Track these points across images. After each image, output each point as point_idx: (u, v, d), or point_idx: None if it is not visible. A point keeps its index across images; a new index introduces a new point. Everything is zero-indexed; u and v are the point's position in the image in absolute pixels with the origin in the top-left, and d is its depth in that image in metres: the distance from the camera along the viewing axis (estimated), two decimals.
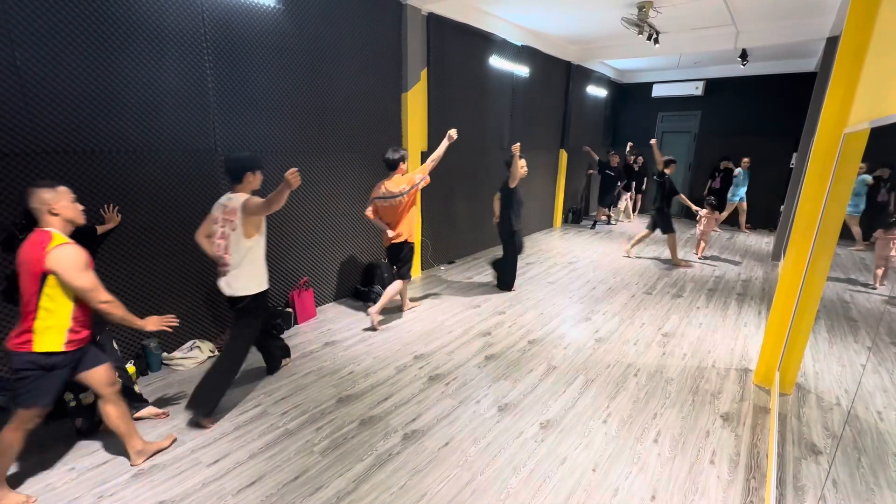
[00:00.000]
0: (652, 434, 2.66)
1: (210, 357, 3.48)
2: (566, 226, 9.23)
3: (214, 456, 2.42)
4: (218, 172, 3.49)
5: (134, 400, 2.70)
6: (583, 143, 8.94)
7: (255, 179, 2.73)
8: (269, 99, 3.74)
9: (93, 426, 2.58)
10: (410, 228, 4.05)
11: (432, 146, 5.34)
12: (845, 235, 2.64)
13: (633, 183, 9.75)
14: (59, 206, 1.98)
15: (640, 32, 5.71)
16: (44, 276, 1.93)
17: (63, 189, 2.01)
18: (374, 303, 4.58)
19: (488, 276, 5.72)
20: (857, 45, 2.53)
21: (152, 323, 2.22)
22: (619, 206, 9.54)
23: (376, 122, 4.80)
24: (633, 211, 10.70)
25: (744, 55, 7.00)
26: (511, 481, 2.27)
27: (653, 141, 6.34)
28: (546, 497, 2.17)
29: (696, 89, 9.50)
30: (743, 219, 8.77)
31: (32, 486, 2.19)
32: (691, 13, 5.69)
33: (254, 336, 2.90)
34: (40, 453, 2.41)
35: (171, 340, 3.42)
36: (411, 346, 3.75)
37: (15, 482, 2.20)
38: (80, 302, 2.05)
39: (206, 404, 2.67)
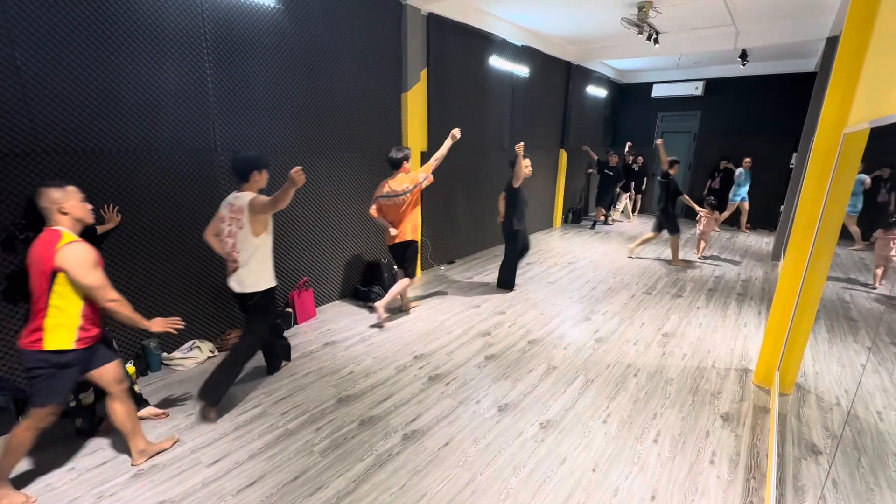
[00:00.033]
0: (652, 434, 2.66)
1: (210, 357, 3.48)
2: (566, 226, 9.23)
3: (214, 456, 2.42)
4: (218, 172, 3.49)
5: (134, 400, 2.70)
6: (583, 143, 8.94)
7: (261, 178, 2.78)
8: (269, 99, 3.74)
9: (93, 426, 2.58)
10: (415, 227, 4.08)
11: (432, 146, 5.34)
12: (844, 235, 2.65)
13: (633, 183, 9.75)
14: (68, 205, 2.00)
15: (640, 32, 5.72)
16: (53, 273, 1.95)
17: (72, 188, 2.03)
18: (375, 302, 4.58)
19: (488, 276, 5.72)
20: (856, 45, 2.54)
21: (158, 324, 2.23)
22: (617, 206, 9.54)
23: (376, 122, 4.80)
24: (634, 211, 10.71)
25: (743, 55, 7.00)
26: (511, 481, 2.27)
27: (659, 141, 6.28)
28: (546, 497, 2.17)
29: (695, 89, 9.51)
30: (744, 219, 8.76)
31: (32, 486, 2.19)
32: (691, 13, 5.69)
33: (265, 333, 2.95)
34: (40, 453, 2.41)
35: (171, 340, 3.42)
36: (411, 346, 3.75)
37: (15, 482, 2.20)
38: (90, 300, 2.07)
39: (211, 395, 2.72)
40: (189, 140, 3.30)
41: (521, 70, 6.90)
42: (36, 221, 2.38)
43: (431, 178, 3.99)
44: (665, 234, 6.34)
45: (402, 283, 4.19)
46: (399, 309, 4.48)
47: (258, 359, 3.40)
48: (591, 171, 9.62)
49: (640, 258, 6.73)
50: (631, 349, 3.76)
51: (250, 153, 2.79)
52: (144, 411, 2.72)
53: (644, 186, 10.38)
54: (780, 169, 8.60)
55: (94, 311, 2.12)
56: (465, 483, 2.25)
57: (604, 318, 4.40)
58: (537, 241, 7.72)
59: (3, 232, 2.49)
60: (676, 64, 9.15)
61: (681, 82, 9.72)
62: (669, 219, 6.17)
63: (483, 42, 6.01)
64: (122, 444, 2.48)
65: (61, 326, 2.00)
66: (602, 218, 9.13)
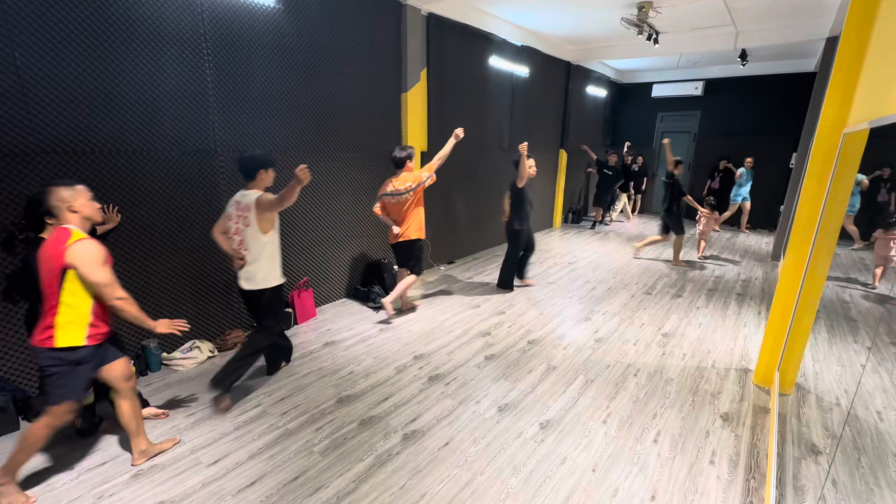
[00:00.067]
0: (652, 434, 2.66)
1: (210, 357, 3.48)
2: (566, 226, 9.23)
3: (214, 456, 2.42)
4: (218, 172, 3.49)
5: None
6: (583, 143, 8.94)
7: (267, 177, 2.84)
8: (269, 99, 3.74)
9: (93, 426, 2.58)
10: (420, 226, 4.13)
11: (432, 146, 5.34)
12: (842, 235, 2.65)
13: (632, 183, 9.76)
14: (77, 203, 2.03)
15: (640, 33, 5.72)
16: (64, 271, 1.97)
17: (81, 187, 2.06)
18: (374, 302, 4.59)
19: (488, 276, 5.72)
20: (856, 46, 2.54)
21: (163, 325, 2.23)
22: (616, 206, 9.54)
23: (376, 122, 4.80)
24: (634, 211, 10.71)
25: (743, 55, 7.00)
26: (511, 481, 2.27)
27: (666, 140, 6.17)
28: (546, 497, 2.17)
29: (695, 89, 9.51)
30: (744, 219, 8.76)
31: (32, 486, 2.19)
32: (691, 13, 5.70)
33: (277, 328, 3.04)
34: (40, 453, 2.41)
35: (171, 341, 3.42)
36: (411, 346, 3.75)
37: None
38: (99, 298, 2.08)
39: (223, 382, 2.78)
40: (189, 140, 3.30)
41: (521, 70, 6.90)
42: (36, 221, 2.39)
43: (435, 176, 4.03)
44: (672, 236, 6.32)
45: (409, 279, 4.25)
46: (399, 309, 4.48)
47: (258, 359, 3.41)
48: (590, 170, 9.62)
49: (642, 258, 6.72)
50: (631, 349, 3.76)
51: (256, 152, 2.83)
52: (144, 411, 2.72)
53: (644, 186, 10.39)
54: (779, 169, 8.61)
55: (104, 308, 2.13)
56: (465, 483, 2.25)
57: (604, 318, 4.40)
58: (537, 241, 7.71)
59: (3, 232, 2.50)
60: (676, 64, 9.16)
61: (681, 82, 9.72)
62: (674, 219, 6.15)
63: (483, 42, 6.01)
64: (122, 444, 2.48)
65: (72, 324, 2.02)
66: (600, 217, 9.12)
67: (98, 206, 2.14)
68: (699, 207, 6.53)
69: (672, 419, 2.81)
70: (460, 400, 2.97)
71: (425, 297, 4.90)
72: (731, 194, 8.59)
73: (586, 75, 8.89)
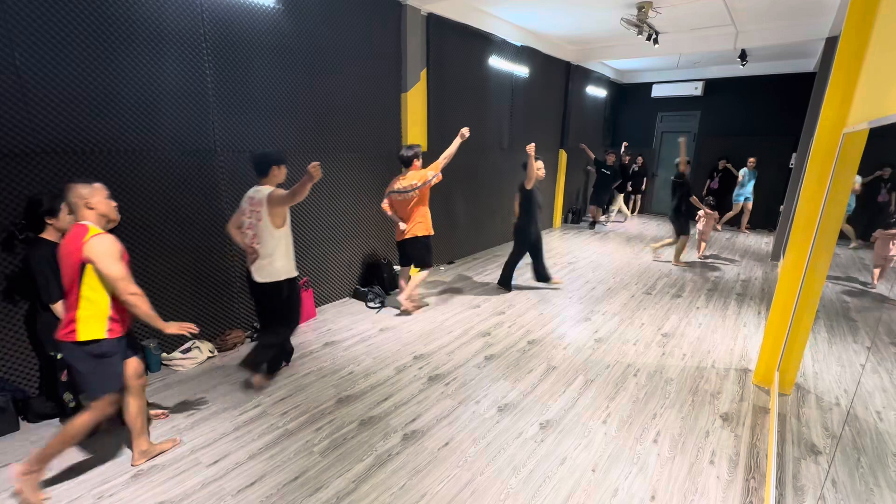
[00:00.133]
0: (651, 434, 2.66)
1: (210, 357, 3.48)
2: (566, 226, 9.23)
3: (214, 456, 2.42)
4: (218, 172, 3.49)
5: None
6: (582, 143, 8.94)
7: (279, 173, 2.92)
8: (269, 99, 3.74)
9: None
10: (426, 223, 4.19)
11: (432, 146, 5.34)
12: (840, 235, 2.65)
13: (629, 183, 9.75)
14: (94, 200, 2.07)
15: (640, 33, 5.72)
16: (82, 266, 2.01)
17: (99, 185, 2.11)
18: (374, 302, 4.59)
19: (488, 276, 5.72)
20: (856, 46, 2.54)
21: (173, 327, 2.22)
22: (613, 206, 9.53)
23: (376, 122, 4.80)
24: (634, 211, 10.71)
25: (743, 55, 7.00)
26: (511, 481, 2.27)
27: (682, 139, 6.03)
28: (546, 497, 2.17)
29: (695, 89, 9.51)
30: (745, 219, 8.76)
31: (8, 493, 2.19)
32: (691, 13, 5.70)
33: (298, 316, 3.15)
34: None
35: (171, 341, 3.41)
36: (411, 346, 3.75)
37: (13, 483, 2.20)
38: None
39: (252, 362, 2.95)
40: (189, 140, 3.30)
41: (521, 70, 6.91)
42: (36, 221, 2.39)
43: (440, 175, 4.08)
44: (699, 234, 6.29)
45: (421, 274, 4.34)
46: (398, 308, 4.48)
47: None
48: (590, 168, 9.62)
49: (661, 260, 6.72)
50: (631, 349, 3.76)
51: (269, 150, 2.90)
52: None
53: (644, 186, 10.39)
54: (779, 169, 8.61)
55: (120, 303, 2.16)
56: (464, 483, 2.25)
57: (603, 319, 4.40)
58: None
59: (3, 232, 2.50)
60: (676, 64, 9.16)
61: (680, 82, 9.72)
62: (682, 219, 6.13)
63: (483, 42, 6.01)
64: (122, 444, 2.48)
65: (93, 317, 2.06)
66: (596, 217, 9.08)
67: (114, 204, 2.18)
68: (703, 207, 6.52)
69: (672, 419, 2.81)
70: (460, 400, 2.97)
71: (425, 297, 4.90)
72: (734, 194, 8.59)
73: (586, 75, 8.89)
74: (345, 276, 4.83)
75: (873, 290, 2.35)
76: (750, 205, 8.55)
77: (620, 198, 9.55)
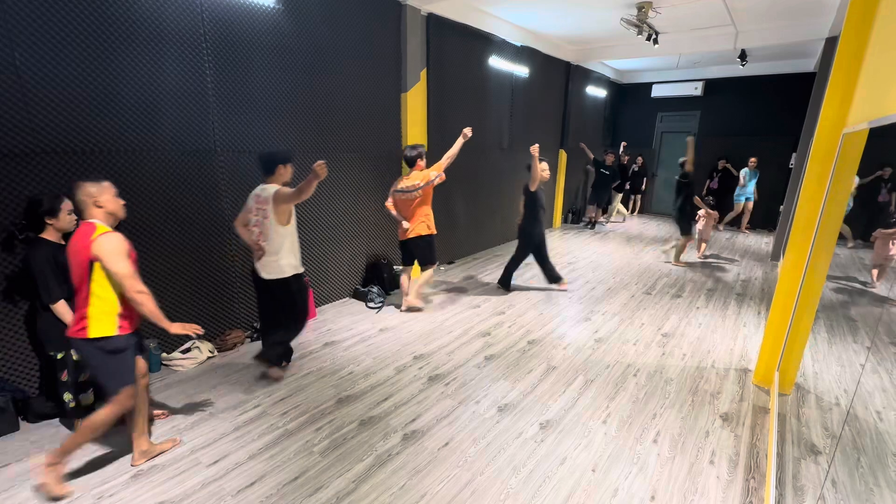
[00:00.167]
0: (651, 434, 2.66)
1: (210, 357, 3.48)
2: (565, 226, 9.23)
3: (214, 456, 2.42)
4: (218, 172, 3.49)
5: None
6: (582, 143, 8.94)
7: (286, 172, 2.95)
8: (269, 99, 3.74)
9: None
10: (429, 222, 4.22)
11: (432, 146, 5.34)
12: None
13: (628, 183, 9.74)
14: (102, 198, 2.09)
15: (640, 33, 5.72)
16: (91, 263, 2.03)
17: (107, 184, 2.13)
18: (374, 302, 4.59)
19: (488, 276, 5.72)
20: (856, 46, 2.54)
21: (177, 327, 2.21)
22: (611, 207, 9.53)
23: (376, 122, 4.80)
24: (634, 211, 10.72)
25: (743, 55, 7.00)
26: (511, 481, 2.27)
27: (690, 138, 5.99)
28: (546, 497, 2.17)
29: (695, 89, 9.51)
30: (745, 219, 8.76)
31: (32, 486, 2.19)
32: (690, 14, 5.70)
33: (307, 304, 3.21)
34: (39, 454, 2.41)
35: (171, 341, 3.41)
36: (411, 346, 3.75)
37: (13, 482, 2.21)
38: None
39: (268, 354, 3.10)
40: (189, 140, 3.30)
41: (521, 70, 6.91)
42: (36, 221, 2.39)
43: (444, 176, 4.10)
44: (695, 235, 6.28)
45: (426, 273, 4.37)
46: (398, 307, 4.48)
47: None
48: (589, 167, 9.62)
49: (671, 262, 6.73)
50: (630, 349, 3.76)
51: (275, 148, 2.93)
52: None
53: (644, 186, 10.39)
54: (779, 169, 8.61)
55: (128, 300, 2.18)
56: (464, 483, 2.25)
57: (603, 319, 4.40)
58: None
59: (3, 232, 2.50)
60: (676, 64, 9.16)
61: (680, 82, 9.73)
62: (686, 219, 6.12)
63: (483, 42, 6.02)
64: (122, 445, 2.47)
65: (104, 314, 2.08)
66: (594, 217, 9.07)
67: (122, 202, 2.19)
68: (705, 207, 6.52)
69: (672, 419, 2.81)
70: (460, 400, 2.97)
71: (425, 297, 4.89)
72: (735, 194, 8.59)
73: (586, 75, 8.89)
74: (345, 276, 4.83)
75: (873, 290, 2.35)
76: (751, 205, 8.55)
77: (619, 198, 9.55)
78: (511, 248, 5.15)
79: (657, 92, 10.07)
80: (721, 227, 8.94)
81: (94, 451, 2.45)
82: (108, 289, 2.08)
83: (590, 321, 4.33)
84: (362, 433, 2.63)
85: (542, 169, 4.59)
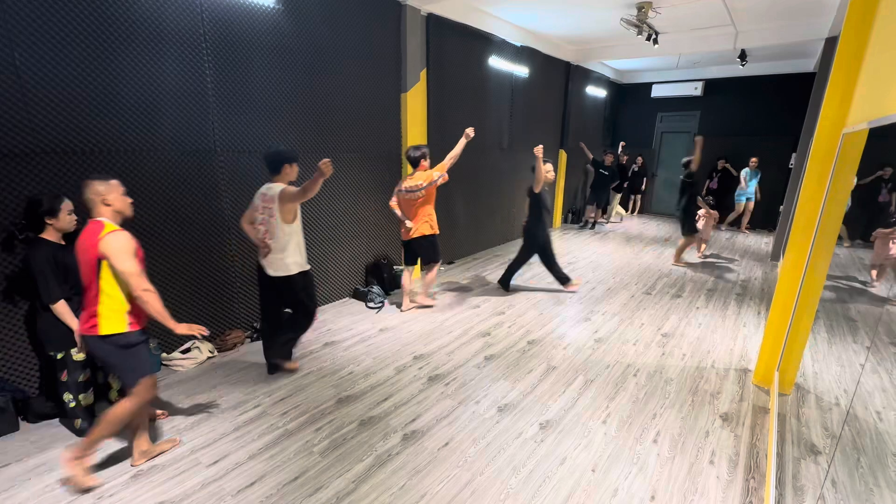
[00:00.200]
0: (651, 434, 2.66)
1: (209, 357, 3.48)
2: (565, 226, 9.23)
3: (214, 457, 2.42)
4: (217, 172, 3.49)
5: None
6: (581, 142, 8.94)
7: (291, 171, 2.98)
8: (269, 99, 3.74)
9: (92, 427, 2.58)
10: (432, 222, 4.25)
11: (431, 146, 5.32)
12: None
13: (626, 183, 9.73)
14: (111, 197, 2.10)
15: (640, 33, 5.72)
16: (99, 261, 2.04)
17: (115, 182, 2.14)
18: (374, 303, 4.59)
19: (488, 276, 5.72)
20: (855, 46, 2.54)
21: (183, 327, 2.21)
22: (610, 206, 9.52)
23: (376, 122, 4.80)
24: (633, 212, 10.71)
25: (743, 55, 7.00)
26: (511, 481, 2.27)
27: (699, 138, 5.94)
28: (546, 497, 2.17)
29: (695, 90, 9.51)
30: (745, 219, 8.75)
31: (32, 486, 2.19)
32: (690, 14, 5.70)
33: (314, 305, 3.21)
34: (39, 454, 2.41)
35: (171, 341, 3.41)
36: (411, 346, 3.75)
37: (13, 482, 2.21)
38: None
39: (281, 351, 3.22)
40: (189, 140, 3.30)
41: (521, 70, 6.91)
42: (36, 221, 2.39)
43: (447, 176, 4.12)
44: (699, 234, 6.27)
45: (433, 271, 4.43)
46: (399, 306, 4.48)
47: (258, 359, 3.41)
48: (589, 167, 9.62)
49: (646, 259, 6.72)
50: (630, 349, 3.76)
51: (281, 148, 2.96)
52: None
53: (644, 186, 10.39)
54: (779, 169, 8.61)
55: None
56: (464, 483, 2.25)
57: (603, 319, 4.40)
58: None
59: (3, 232, 2.50)
60: (676, 64, 9.16)
61: (680, 82, 9.72)
62: (690, 219, 6.10)
63: (483, 42, 6.02)
64: (121, 445, 2.48)
65: (114, 311, 2.10)
66: (593, 217, 9.07)
67: (130, 200, 2.20)
68: (706, 207, 6.52)
69: (672, 419, 2.81)
70: (460, 400, 2.98)
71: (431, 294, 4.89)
72: (735, 194, 8.58)
73: (586, 75, 8.89)
74: (345, 276, 4.83)
75: (872, 290, 2.35)
76: (751, 205, 8.54)
77: (618, 198, 9.55)
78: (511, 247, 5.16)
79: (657, 92, 10.07)
80: (724, 228, 8.94)
81: (93, 451, 2.44)
82: (117, 287, 2.10)
83: (590, 321, 4.33)
84: (362, 433, 2.63)
85: (546, 170, 4.58)
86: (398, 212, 4.23)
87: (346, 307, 4.62)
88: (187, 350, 3.40)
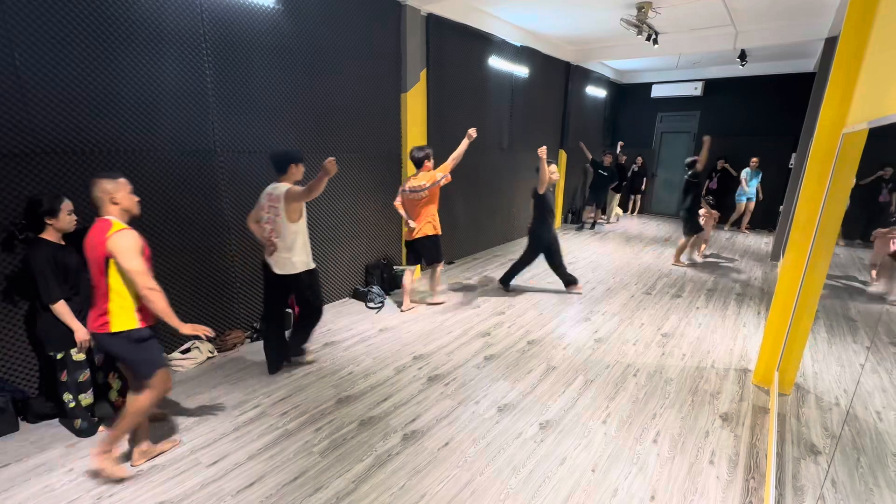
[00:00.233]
0: (651, 434, 2.66)
1: (209, 358, 3.48)
2: (565, 226, 9.23)
3: (214, 457, 2.42)
4: (217, 173, 3.49)
5: None
6: (581, 142, 8.94)
7: (297, 171, 3.01)
8: (269, 99, 3.74)
9: (92, 427, 2.58)
10: (435, 222, 4.27)
11: (431, 147, 5.31)
12: None
13: (625, 183, 9.73)
14: (119, 195, 2.11)
15: (640, 33, 5.72)
16: (107, 260, 2.05)
17: (123, 181, 2.14)
18: (374, 302, 4.59)
19: (488, 276, 5.72)
20: (855, 46, 2.54)
21: (188, 327, 2.20)
22: (609, 207, 9.52)
23: (376, 122, 4.80)
24: (633, 212, 10.71)
25: (742, 55, 7.00)
26: (511, 481, 2.27)
27: (707, 137, 5.87)
28: (546, 497, 2.17)
29: (695, 90, 9.51)
30: (745, 219, 8.75)
31: (32, 487, 2.19)
32: (690, 14, 5.70)
33: (321, 301, 3.32)
34: (39, 454, 2.41)
35: (171, 341, 3.41)
36: (411, 346, 3.75)
37: (13, 483, 2.21)
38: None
39: (295, 348, 3.36)
40: (189, 140, 3.30)
41: (521, 70, 6.91)
42: (36, 221, 2.39)
43: (449, 177, 4.14)
44: (703, 234, 6.27)
45: (437, 271, 4.49)
46: (399, 305, 4.48)
47: (258, 359, 3.41)
48: (588, 167, 9.61)
49: (646, 259, 6.72)
50: (630, 349, 3.76)
51: (287, 148, 3.00)
52: None
53: (644, 187, 10.38)
54: (779, 169, 8.61)
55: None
56: (464, 483, 2.25)
57: (603, 319, 4.40)
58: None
59: (3, 232, 2.50)
60: (676, 64, 9.16)
61: (680, 83, 9.73)
62: (694, 218, 6.09)
63: (482, 42, 6.02)
64: (121, 445, 2.47)
65: (124, 309, 2.12)
66: (592, 217, 9.07)
67: (137, 199, 2.21)
68: (707, 207, 6.52)
69: (671, 419, 2.81)
70: (460, 400, 2.97)
71: (425, 297, 4.89)
72: (736, 194, 8.58)
73: (586, 75, 8.89)
74: (345, 276, 4.83)
75: (872, 290, 2.35)
76: (752, 205, 8.54)
77: (617, 198, 9.55)
78: (511, 247, 5.16)
79: (657, 92, 10.07)
80: (726, 228, 8.94)
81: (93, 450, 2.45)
82: (125, 284, 2.11)
83: (589, 321, 4.33)
84: (362, 433, 2.63)
85: (551, 171, 4.55)
86: (402, 212, 4.23)
87: (345, 307, 4.62)
88: (187, 350, 3.40)
